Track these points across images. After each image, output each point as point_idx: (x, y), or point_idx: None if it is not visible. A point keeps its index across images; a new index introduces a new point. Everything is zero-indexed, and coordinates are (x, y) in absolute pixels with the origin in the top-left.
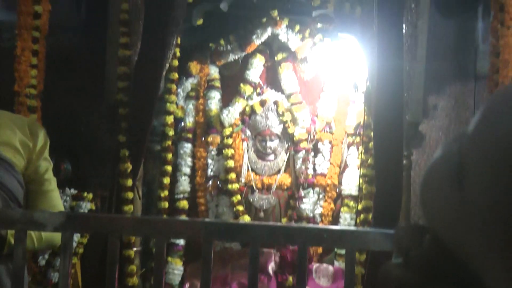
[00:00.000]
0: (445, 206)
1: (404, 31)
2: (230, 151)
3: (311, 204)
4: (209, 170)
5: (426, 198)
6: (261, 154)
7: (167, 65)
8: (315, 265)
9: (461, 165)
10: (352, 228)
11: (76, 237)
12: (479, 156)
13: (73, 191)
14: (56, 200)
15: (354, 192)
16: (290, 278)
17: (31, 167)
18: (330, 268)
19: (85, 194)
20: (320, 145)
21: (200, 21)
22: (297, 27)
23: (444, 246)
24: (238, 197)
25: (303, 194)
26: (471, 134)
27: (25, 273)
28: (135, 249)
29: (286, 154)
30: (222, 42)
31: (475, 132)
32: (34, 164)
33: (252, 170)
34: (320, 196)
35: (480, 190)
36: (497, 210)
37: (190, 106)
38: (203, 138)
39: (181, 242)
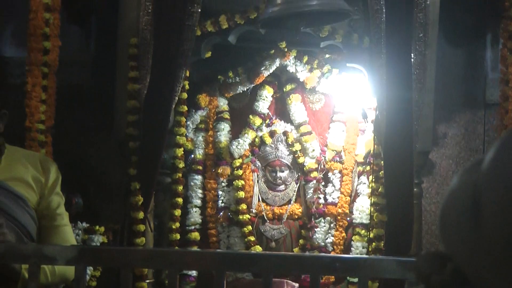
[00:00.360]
0: (462, 240)
1: (412, 60)
2: (240, 182)
3: (322, 233)
4: (220, 202)
5: (444, 230)
6: (271, 184)
7: (176, 98)
8: None
9: (476, 200)
10: (365, 256)
11: (89, 270)
12: (495, 194)
13: (84, 224)
14: (69, 234)
15: (365, 220)
16: None
17: (43, 202)
18: None
19: (97, 227)
20: (330, 174)
21: (208, 54)
22: (305, 58)
23: (463, 274)
24: (249, 227)
25: (315, 224)
26: (486, 171)
27: None
28: (147, 281)
29: (296, 184)
30: (230, 74)
31: (491, 169)
32: (46, 199)
33: (263, 200)
34: (331, 225)
35: (497, 227)
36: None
37: (200, 138)
38: (213, 170)
39: (193, 273)
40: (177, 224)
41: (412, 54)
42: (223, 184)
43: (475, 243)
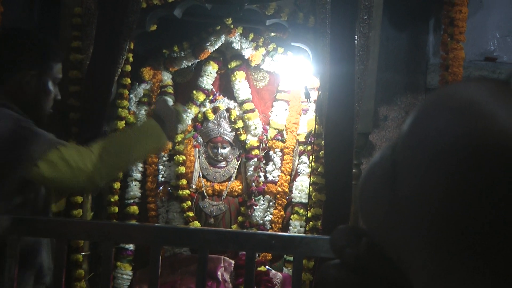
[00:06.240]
0: (377, 207)
1: (356, 42)
2: (181, 157)
3: (261, 211)
4: (160, 176)
5: (362, 201)
6: (213, 161)
7: (120, 70)
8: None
9: (394, 166)
10: (301, 235)
11: None
12: (409, 156)
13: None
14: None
15: (304, 199)
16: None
17: None
18: (279, 275)
19: None
20: (271, 153)
21: (153, 27)
22: (251, 36)
23: (378, 247)
24: (189, 203)
25: (254, 201)
26: (403, 135)
27: None
28: (83, 253)
29: (238, 161)
30: (175, 48)
31: (407, 133)
32: None
33: (203, 176)
34: (271, 203)
35: (409, 187)
36: (424, 206)
37: (142, 112)
38: None
39: (131, 247)
40: (116, 197)
41: (356, 36)
42: (164, 158)
43: (389, 205)
